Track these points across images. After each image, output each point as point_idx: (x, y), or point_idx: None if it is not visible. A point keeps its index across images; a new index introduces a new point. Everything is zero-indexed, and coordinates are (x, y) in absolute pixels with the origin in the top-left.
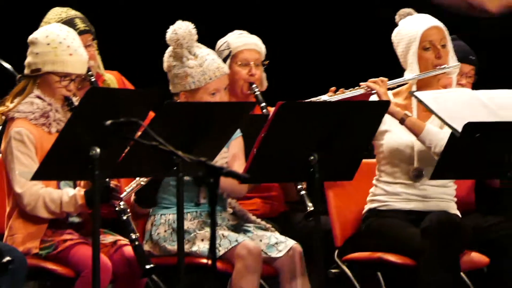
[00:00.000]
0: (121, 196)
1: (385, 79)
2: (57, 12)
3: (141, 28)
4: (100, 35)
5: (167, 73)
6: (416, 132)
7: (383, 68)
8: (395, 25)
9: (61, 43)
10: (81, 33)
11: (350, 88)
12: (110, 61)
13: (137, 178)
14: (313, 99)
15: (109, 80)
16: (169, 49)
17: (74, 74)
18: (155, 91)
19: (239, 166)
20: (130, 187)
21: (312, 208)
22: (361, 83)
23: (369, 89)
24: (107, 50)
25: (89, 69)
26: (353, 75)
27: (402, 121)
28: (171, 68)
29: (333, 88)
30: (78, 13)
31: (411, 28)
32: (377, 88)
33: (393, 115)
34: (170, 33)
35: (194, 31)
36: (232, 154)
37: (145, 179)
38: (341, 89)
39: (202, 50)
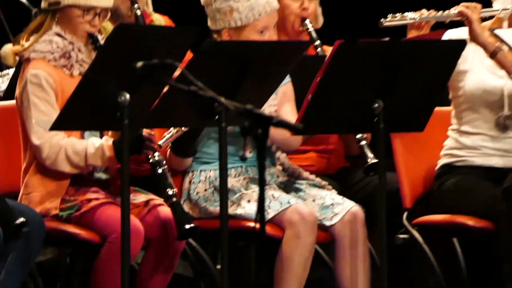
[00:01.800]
0: (159, 143)
1: (479, 5)
2: None
3: None
4: None
5: (205, 7)
6: (509, 67)
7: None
8: None
9: None
10: None
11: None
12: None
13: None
14: (398, 15)
15: (157, 21)
16: None
17: (99, 7)
18: (193, 28)
19: (291, 115)
20: (169, 133)
21: (374, 161)
22: (452, 8)
23: (459, 15)
24: None
25: (135, 1)
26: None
27: (493, 54)
28: (211, 1)
29: (424, 10)
30: None
31: None
32: (468, 13)
33: (484, 46)
34: None
35: None
36: (282, 102)
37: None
38: (431, 10)
39: None
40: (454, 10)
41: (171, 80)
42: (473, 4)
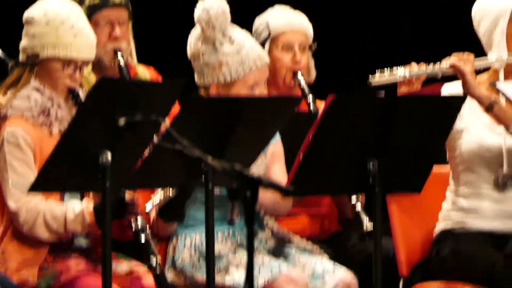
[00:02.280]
0: (147, 206)
1: (471, 55)
2: None
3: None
4: None
5: (192, 61)
6: (507, 121)
7: (457, 48)
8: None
9: (63, 21)
10: (116, 5)
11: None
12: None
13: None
14: (387, 71)
15: (142, 74)
16: (196, 31)
17: (80, 59)
18: (179, 82)
19: (280, 176)
20: (156, 197)
21: (370, 227)
22: (444, 60)
23: (451, 68)
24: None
25: (119, 51)
26: (418, 58)
27: (489, 108)
28: (199, 55)
29: (412, 63)
30: None
31: (498, 1)
32: (461, 66)
33: (479, 99)
34: (200, 11)
35: (227, 9)
36: (271, 162)
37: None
38: (421, 63)
39: (239, 34)
40: (446, 63)
41: (156, 138)
42: (466, 54)
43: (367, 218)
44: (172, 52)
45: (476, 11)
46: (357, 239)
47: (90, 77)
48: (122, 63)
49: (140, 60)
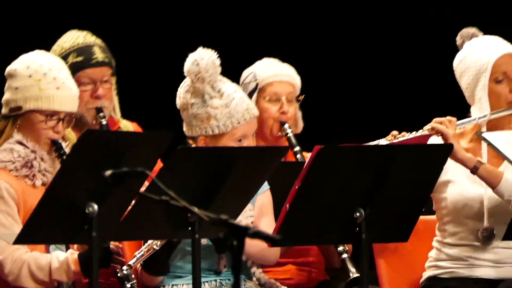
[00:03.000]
0: (130, 262)
1: (453, 118)
2: (74, 36)
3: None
4: None
5: (181, 111)
6: (492, 183)
7: (442, 103)
8: (454, 49)
9: (45, 74)
10: (98, 64)
11: (413, 131)
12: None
13: (149, 242)
14: (369, 144)
15: (125, 128)
16: (186, 83)
17: (63, 112)
18: (166, 133)
19: (268, 226)
20: (140, 252)
21: (355, 275)
22: (425, 126)
23: (434, 132)
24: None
25: (100, 109)
26: (406, 111)
27: (475, 170)
28: (188, 107)
29: (395, 132)
30: (98, 40)
31: (479, 56)
32: (443, 130)
33: (463, 163)
34: (190, 63)
35: (218, 62)
36: (260, 214)
37: (159, 243)
38: (403, 133)
39: (228, 86)
40: (427, 127)
41: (142, 190)
42: (447, 118)
43: (354, 266)
44: (157, 106)
45: (457, 65)
46: (346, 278)
47: (70, 134)
48: (104, 121)
49: (124, 114)
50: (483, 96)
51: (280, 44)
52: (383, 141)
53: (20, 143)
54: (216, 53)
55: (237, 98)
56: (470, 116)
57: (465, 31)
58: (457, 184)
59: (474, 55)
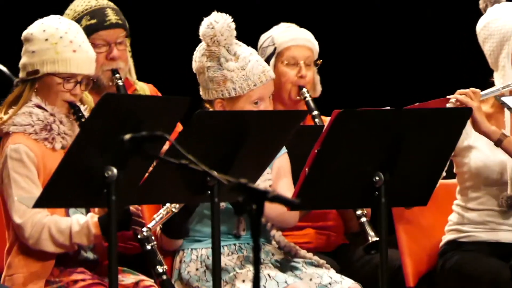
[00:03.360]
0: (149, 225)
1: (477, 90)
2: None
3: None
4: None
5: (197, 75)
6: None
7: (463, 68)
8: (476, 13)
9: (62, 37)
10: (112, 26)
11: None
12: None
13: (167, 204)
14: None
15: (141, 90)
16: (202, 46)
17: (80, 74)
18: (184, 98)
19: (287, 189)
20: (159, 215)
21: (374, 239)
22: (448, 96)
23: (458, 104)
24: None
25: (116, 71)
26: (424, 79)
27: (499, 143)
28: (204, 70)
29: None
30: (111, 3)
31: (503, 23)
32: (468, 102)
33: (487, 135)
34: (205, 27)
35: (233, 25)
36: (278, 176)
37: (177, 206)
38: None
39: (244, 49)
40: (452, 100)
41: (161, 154)
42: (471, 89)
43: (372, 230)
44: (172, 70)
45: (481, 30)
46: (363, 252)
47: (87, 97)
48: (120, 83)
49: (140, 77)
50: (506, 64)
51: (298, 9)
52: None
53: (39, 106)
54: (231, 17)
55: (253, 61)
56: (492, 81)
57: None
58: (480, 150)
59: (498, 22)
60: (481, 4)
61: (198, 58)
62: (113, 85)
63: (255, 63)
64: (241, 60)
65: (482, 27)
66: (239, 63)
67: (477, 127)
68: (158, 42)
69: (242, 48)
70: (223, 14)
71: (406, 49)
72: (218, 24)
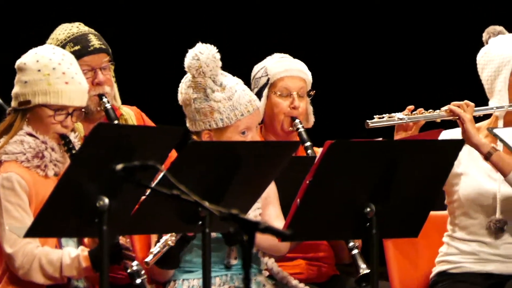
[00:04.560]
0: (147, 259)
1: (471, 103)
2: (67, 27)
3: (154, 54)
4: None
5: (184, 107)
6: (504, 170)
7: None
8: (476, 45)
9: (54, 69)
10: (95, 51)
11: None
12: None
13: (164, 238)
14: (385, 115)
15: (127, 115)
16: (187, 78)
17: (71, 106)
18: (177, 128)
19: (275, 217)
20: (156, 248)
21: (366, 271)
22: (443, 108)
23: (451, 114)
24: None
25: (103, 95)
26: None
27: (488, 156)
28: (190, 102)
29: (411, 107)
30: (92, 30)
31: (503, 49)
32: (461, 113)
33: (478, 148)
34: (190, 58)
35: (218, 55)
36: (266, 204)
37: (174, 238)
38: (420, 109)
39: (229, 79)
40: (444, 108)
41: (153, 184)
42: (465, 102)
43: (364, 262)
44: (155, 94)
45: (481, 57)
46: (355, 284)
47: (77, 125)
48: (108, 106)
49: (123, 101)
50: (503, 88)
51: (290, 40)
52: (399, 114)
53: (30, 134)
54: (221, 49)
55: (239, 91)
56: None
57: (491, 28)
58: (470, 176)
59: (498, 49)
60: (484, 36)
61: (184, 90)
62: (101, 109)
63: (242, 93)
64: (227, 91)
65: (483, 54)
66: (225, 93)
67: (468, 139)
68: (140, 69)
69: (227, 78)
70: (208, 45)
71: (398, 81)
72: (203, 55)
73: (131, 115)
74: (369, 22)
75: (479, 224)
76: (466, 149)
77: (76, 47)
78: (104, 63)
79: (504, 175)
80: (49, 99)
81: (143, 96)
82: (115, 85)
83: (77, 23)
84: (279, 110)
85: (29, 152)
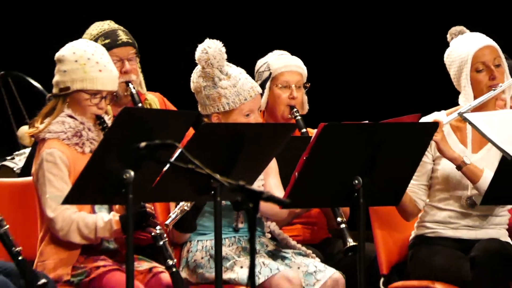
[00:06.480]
0: (167, 222)
1: (439, 120)
2: (100, 24)
3: (171, 46)
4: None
5: (195, 94)
6: (473, 180)
7: (434, 89)
8: (447, 45)
9: (89, 59)
10: (123, 44)
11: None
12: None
13: (181, 203)
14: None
15: (151, 100)
16: (198, 69)
17: (105, 91)
18: (193, 112)
19: (275, 187)
20: (174, 212)
21: (352, 244)
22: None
23: None
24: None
25: (129, 82)
26: (402, 97)
27: (459, 168)
28: (201, 89)
29: None
30: (121, 27)
31: (461, 50)
32: (434, 139)
33: (451, 160)
34: (199, 52)
35: (223, 49)
36: (267, 175)
37: (189, 204)
38: None
39: (234, 69)
40: None
41: (172, 159)
42: (433, 123)
43: (350, 236)
44: (176, 81)
45: (446, 59)
46: (342, 254)
47: (108, 107)
48: (133, 91)
49: (149, 88)
50: (466, 84)
51: (288, 39)
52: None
53: (70, 116)
54: (230, 44)
55: (242, 79)
56: (457, 102)
57: (453, 29)
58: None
59: (457, 50)
60: (448, 38)
61: (195, 79)
62: (127, 94)
63: (245, 81)
64: (232, 79)
65: (447, 56)
66: (230, 81)
67: (443, 154)
68: (162, 61)
69: (232, 69)
70: (214, 40)
71: (381, 72)
72: (211, 49)
73: (155, 100)
74: (357, 22)
75: (454, 198)
76: (445, 133)
77: (107, 41)
78: (131, 55)
79: (473, 183)
80: (86, 85)
81: (165, 84)
82: (140, 75)
83: (108, 21)
84: (280, 101)
85: (69, 131)
